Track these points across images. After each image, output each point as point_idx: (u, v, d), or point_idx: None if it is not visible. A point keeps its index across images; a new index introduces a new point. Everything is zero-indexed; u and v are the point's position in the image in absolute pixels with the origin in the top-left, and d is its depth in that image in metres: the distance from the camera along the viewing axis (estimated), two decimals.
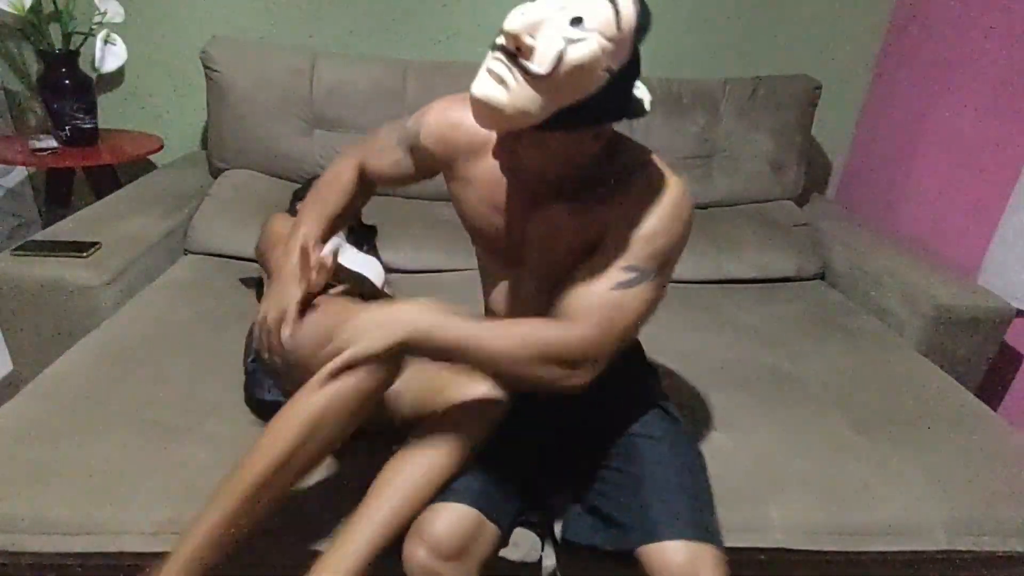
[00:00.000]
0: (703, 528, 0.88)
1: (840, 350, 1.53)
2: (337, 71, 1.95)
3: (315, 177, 1.74)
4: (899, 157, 2.12)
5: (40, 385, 1.17)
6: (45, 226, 1.75)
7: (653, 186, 0.85)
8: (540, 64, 0.70)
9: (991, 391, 1.72)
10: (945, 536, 1.06)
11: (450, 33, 2.17)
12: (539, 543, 1.01)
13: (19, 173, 2.21)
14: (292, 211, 1.63)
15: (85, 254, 1.46)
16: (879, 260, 1.81)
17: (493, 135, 0.89)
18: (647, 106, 0.81)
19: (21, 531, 0.94)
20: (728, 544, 1.03)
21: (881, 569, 1.09)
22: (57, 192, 2.12)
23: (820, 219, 2.10)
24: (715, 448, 1.15)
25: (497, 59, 0.72)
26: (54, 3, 1.90)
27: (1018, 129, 1.68)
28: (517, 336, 0.83)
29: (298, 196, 1.71)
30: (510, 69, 0.71)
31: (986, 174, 1.78)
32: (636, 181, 0.86)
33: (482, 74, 0.74)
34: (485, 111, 0.74)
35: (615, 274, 0.83)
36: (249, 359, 1.19)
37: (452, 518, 0.88)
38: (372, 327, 0.83)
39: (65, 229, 1.58)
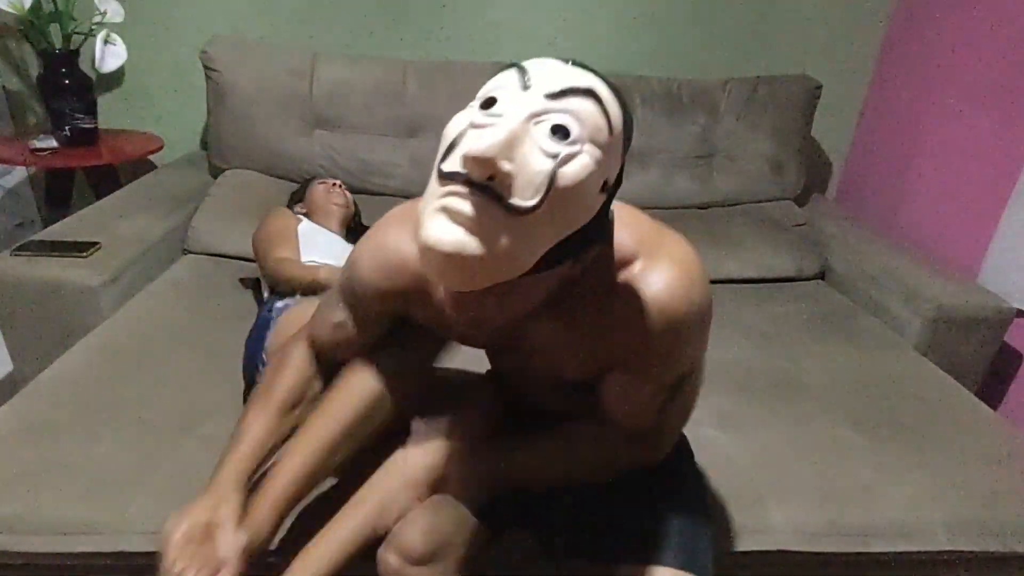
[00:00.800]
0: (692, 559, 0.84)
1: (840, 350, 1.53)
2: (337, 71, 1.95)
3: (312, 178, 1.74)
4: (899, 157, 2.12)
5: (40, 385, 1.17)
6: (45, 226, 1.75)
7: (642, 295, 0.68)
8: (524, 196, 0.53)
9: (991, 391, 1.72)
10: (945, 536, 1.06)
11: (450, 33, 2.17)
12: (536, 546, 1.01)
13: (19, 173, 2.21)
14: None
15: (85, 254, 1.46)
16: (879, 260, 1.81)
17: None
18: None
19: (21, 531, 0.94)
20: (728, 547, 1.04)
21: (881, 570, 1.09)
22: (57, 192, 2.12)
23: (820, 219, 2.10)
24: (715, 449, 1.15)
25: (457, 195, 0.53)
26: (54, 3, 1.90)
27: (1018, 129, 1.68)
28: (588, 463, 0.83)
29: (294, 199, 1.71)
30: (481, 208, 0.52)
31: (986, 174, 1.78)
32: (624, 292, 0.69)
33: (436, 218, 0.54)
34: (454, 267, 0.54)
35: (657, 398, 0.77)
36: (253, 362, 1.19)
37: (424, 521, 0.83)
38: None
39: (65, 229, 1.58)
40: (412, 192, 2.04)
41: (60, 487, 0.98)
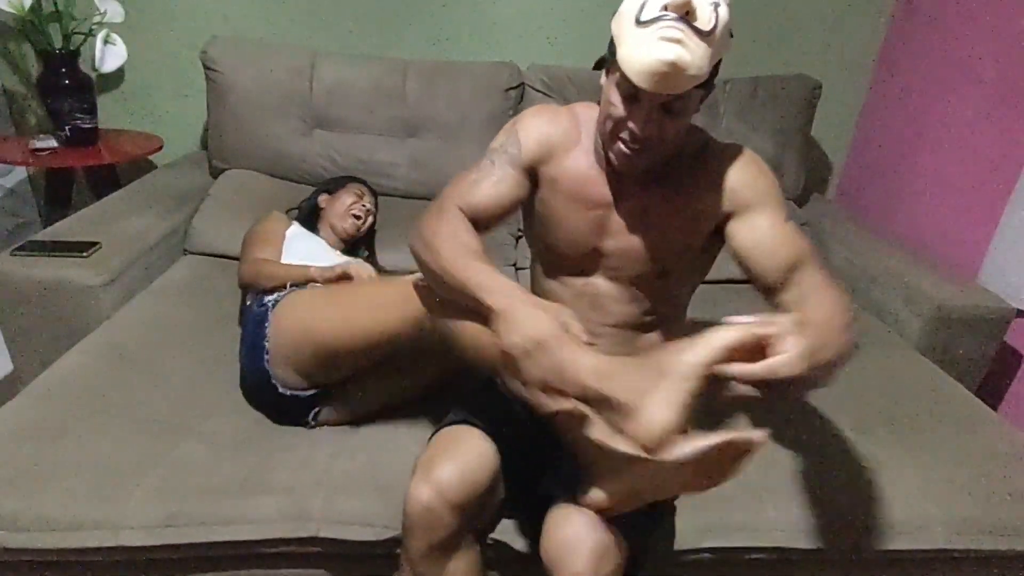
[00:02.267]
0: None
1: None
2: (337, 71, 1.95)
3: (319, 185, 1.72)
4: (899, 157, 2.12)
5: (40, 385, 1.17)
6: (45, 226, 1.75)
7: (730, 153, 0.96)
8: (705, 22, 0.79)
9: (991, 391, 1.72)
10: (945, 536, 1.06)
11: (450, 33, 2.18)
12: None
13: (19, 173, 2.21)
14: (302, 221, 1.61)
15: (85, 254, 1.46)
16: (879, 260, 1.81)
17: (585, 129, 0.99)
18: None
19: (22, 528, 0.94)
20: (727, 543, 1.04)
21: (881, 569, 1.09)
22: (57, 192, 2.12)
23: (820, 219, 2.10)
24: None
25: (668, 26, 0.78)
26: (54, 3, 1.90)
27: (1018, 129, 1.68)
28: (841, 317, 0.83)
29: (326, 187, 1.68)
30: (685, 31, 0.78)
31: (986, 174, 1.78)
32: (713, 153, 0.97)
33: (657, 42, 0.78)
34: (672, 73, 0.78)
35: (790, 228, 0.94)
36: (254, 360, 1.17)
37: (463, 465, 0.90)
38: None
39: (65, 229, 1.59)
40: (412, 192, 2.04)
41: (60, 486, 0.98)
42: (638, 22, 0.81)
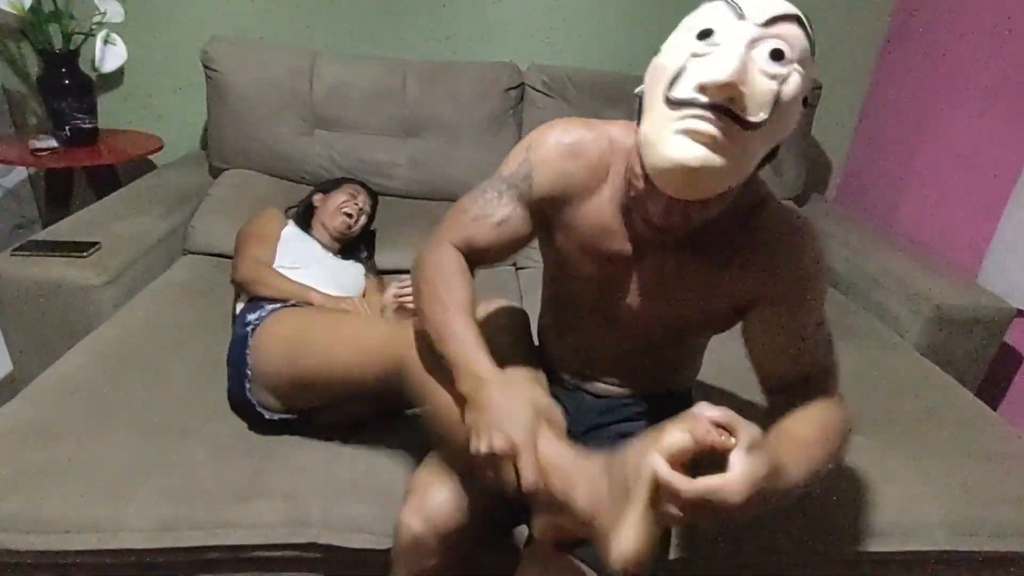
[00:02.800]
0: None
1: (840, 350, 1.52)
2: (337, 71, 1.95)
3: (316, 185, 1.71)
4: (899, 157, 2.12)
5: (40, 385, 1.17)
6: (45, 226, 1.75)
7: (786, 225, 0.78)
8: (755, 113, 0.63)
9: (991, 391, 1.72)
10: (944, 536, 1.06)
11: (450, 33, 2.17)
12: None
13: (19, 173, 2.21)
14: (297, 220, 1.61)
15: (85, 254, 1.46)
16: (879, 260, 1.81)
17: (615, 165, 0.81)
18: None
19: (22, 530, 0.94)
20: (727, 545, 1.03)
21: (881, 570, 1.09)
22: (57, 192, 2.12)
23: (820, 219, 2.10)
24: None
25: (701, 117, 0.63)
26: (54, 3, 1.90)
27: (1018, 129, 1.68)
28: (825, 443, 0.74)
29: (322, 188, 1.66)
30: (721, 126, 0.62)
31: (986, 174, 1.77)
32: (766, 220, 0.78)
33: (678, 139, 0.64)
34: (697, 180, 0.64)
35: (819, 332, 0.82)
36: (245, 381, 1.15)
37: (457, 491, 0.85)
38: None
39: (65, 229, 1.58)
40: (412, 192, 2.04)
41: (60, 487, 0.98)
42: (667, 101, 0.65)
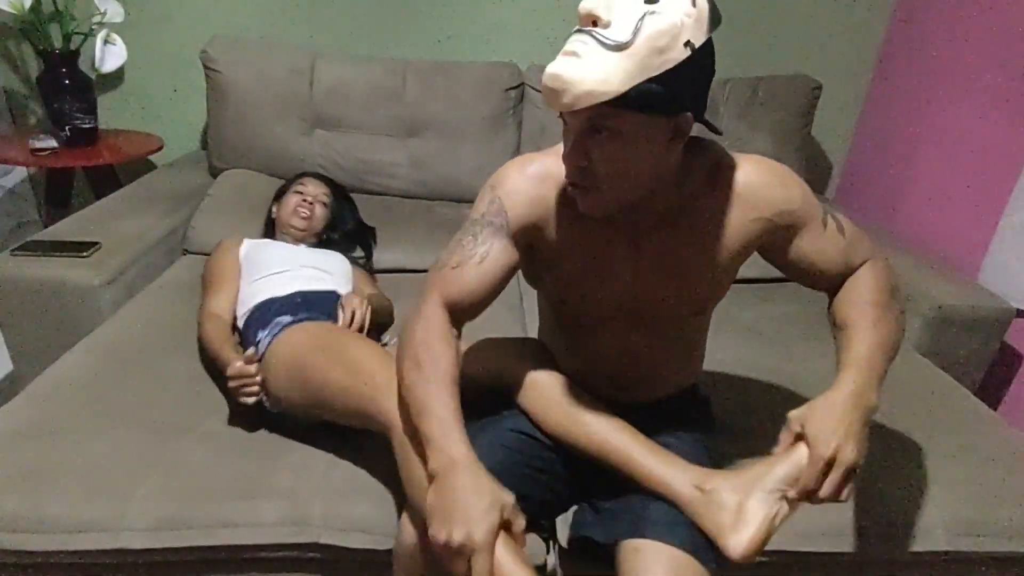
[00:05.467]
0: (695, 543, 0.83)
1: None
2: (337, 71, 1.95)
3: (302, 174, 1.70)
4: (899, 157, 2.12)
5: (40, 385, 1.17)
6: (45, 226, 1.75)
7: (747, 170, 0.87)
8: (617, 32, 0.69)
9: (991, 391, 1.72)
10: (945, 536, 1.06)
11: (450, 33, 2.17)
12: (544, 547, 1.01)
13: (19, 173, 2.21)
14: (269, 223, 1.60)
15: (85, 254, 1.46)
16: None
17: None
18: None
19: (22, 530, 0.94)
20: None
21: (881, 570, 1.09)
22: (57, 192, 2.12)
23: None
24: (714, 448, 1.15)
25: (572, 38, 0.72)
26: (54, 3, 1.90)
27: (1018, 129, 1.68)
28: (878, 316, 0.91)
29: (277, 195, 1.66)
30: (585, 43, 0.70)
31: (986, 174, 1.77)
32: (728, 174, 0.86)
33: (558, 57, 0.72)
34: (559, 88, 0.70)
35: (829, 227, 0.93)
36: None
37: None
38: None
39: (65, 229, 1.59)
40: (412, 192, 2.04)
41: (60, 487, 0.98)
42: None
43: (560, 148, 0.83)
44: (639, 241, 0.87)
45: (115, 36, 1.99)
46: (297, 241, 1.56)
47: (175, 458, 1.05)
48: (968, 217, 1.83)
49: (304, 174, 1.69)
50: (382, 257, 1.75)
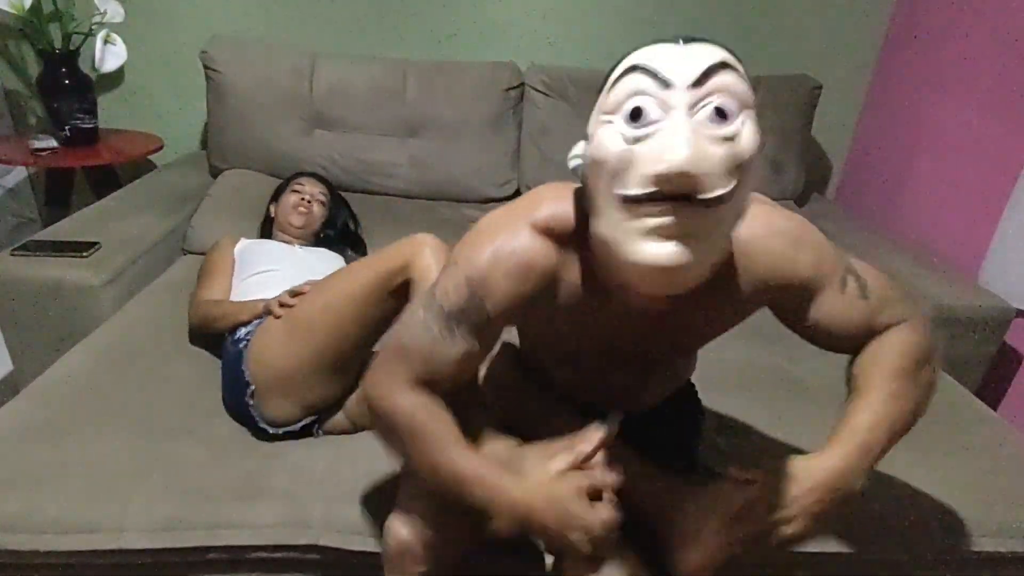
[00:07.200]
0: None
1: None
2: (337, 71, 1.95)
3: (299, 174, 1.71)
4: (899, 157, 2.12)
5: (40, 385, 1.17)
6: (45, 226, 1.75)
7: (758, 233, 0.73)
8: (718, 186, 0.55)
9: (991, 391, 1.72)
10: (945, 536, 1.06)
11: (450, 33, 2.18)
12: (542, 546, 1.01)
13: (19, 173, 2.21)
14: (267, 222, 1.60)
15: (85, 254, 1.46)
16: (879, 260, 1.81)
17: (570, 258, 0.72)
18: None
19: (22, 530, 0.94)
20: None
21: (880, 570, 1.09)
22: (57, 192, 2.12)
23: (820, 219, 2.09)
24: (714, 448, 1.15)
25: (663, 213, 0.55)
26: (54, 3, 1.90)
27: (1018, 129, 1.68)
28: (894, 390, 0.80)
29: (275, 195, 1.67)
30: (687, 215, 0.55)
31: (986, 174, 1.78)
32: (739, 238, 0.72)
33: (645, 241, 0.56)
34: (675, 275, 0.57)
35: (848, 290, 0.77)
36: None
37: (439, 504, 0.81)
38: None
39: (65, 229, 1.59)
40: (412, 192, 2.04)
41: (60, 486, 0.98)
42: (619, 199, 0.58)
43: (540, 219, 0.71)
44: (633, 310, 0.76)
45: (115, 36, 1.99)
46: (293, 241, 1.57)
47: (175, 459, 1.04)
48: (968, 217, 1.83)
49: (300, 174, 1.71)
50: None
